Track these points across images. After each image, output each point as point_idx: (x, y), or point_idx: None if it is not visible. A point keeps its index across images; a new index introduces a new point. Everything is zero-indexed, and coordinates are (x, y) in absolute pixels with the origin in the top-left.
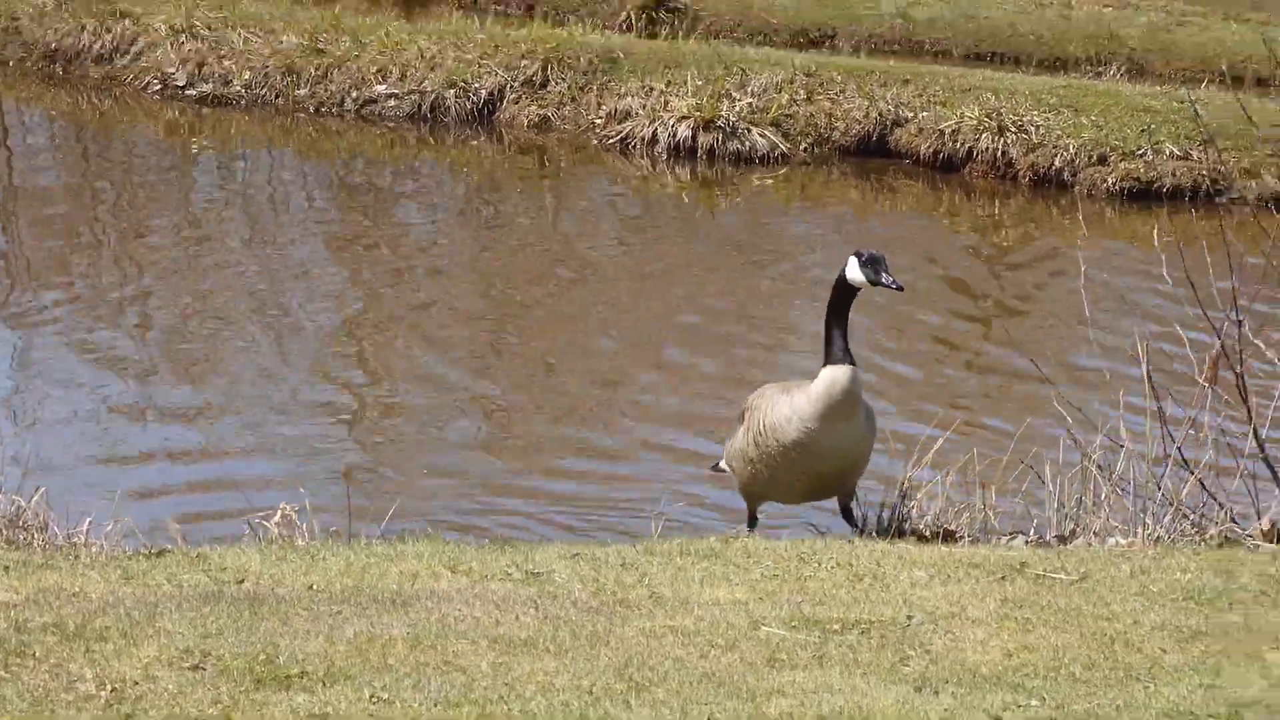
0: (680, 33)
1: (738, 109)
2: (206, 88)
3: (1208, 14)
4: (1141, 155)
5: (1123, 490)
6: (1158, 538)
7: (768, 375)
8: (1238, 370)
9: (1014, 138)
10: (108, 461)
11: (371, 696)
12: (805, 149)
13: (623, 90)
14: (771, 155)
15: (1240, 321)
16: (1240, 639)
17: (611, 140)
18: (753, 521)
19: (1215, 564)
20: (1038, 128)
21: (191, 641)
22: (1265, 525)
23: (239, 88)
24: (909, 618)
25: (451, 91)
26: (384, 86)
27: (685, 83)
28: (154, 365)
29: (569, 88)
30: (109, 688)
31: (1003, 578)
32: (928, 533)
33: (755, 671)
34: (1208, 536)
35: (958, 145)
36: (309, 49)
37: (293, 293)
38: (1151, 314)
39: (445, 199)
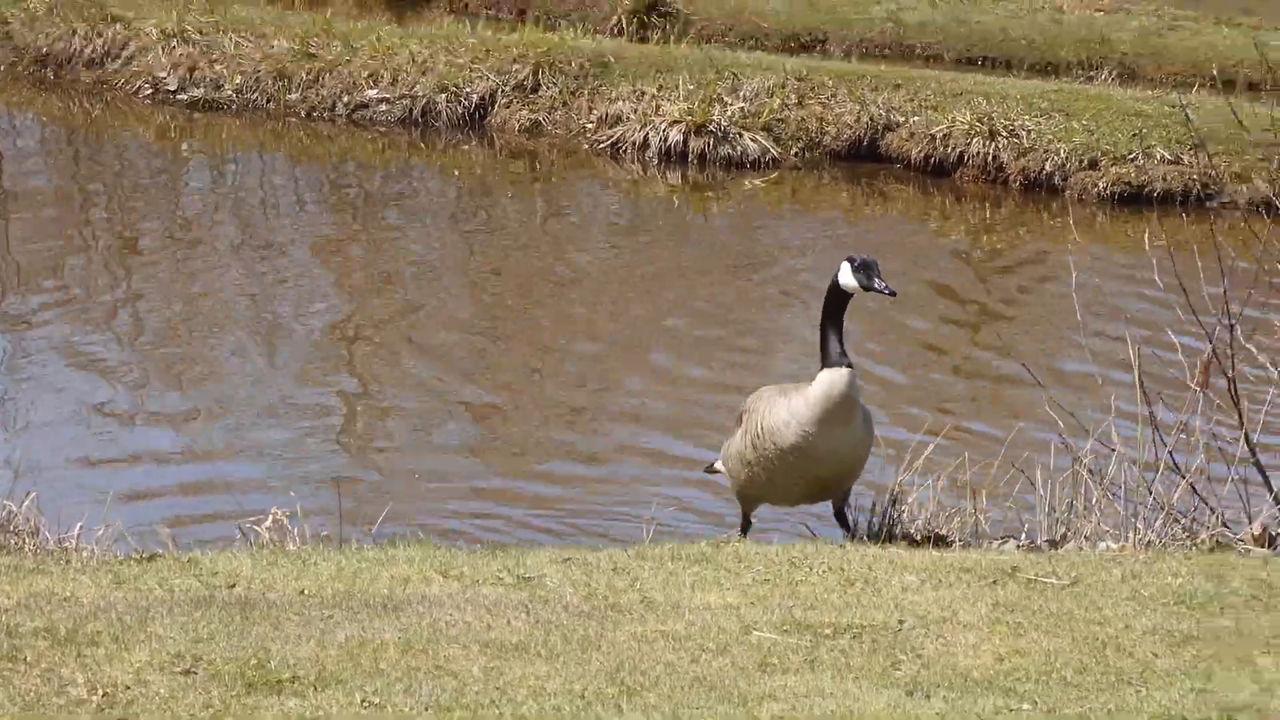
0: (671, 37)
1: (729, 113)
2: (198, 92)
3: (1199, 18)
4: (1132, 159)
5: (1114, 495)
6: (1149, 542)
7: (758, 380)
8: (1229, 375)
9: (1005, 142)
10: (98, 465)
11: (363, 701)
12: (796, 154)
13: (614, 95)
14: (763, 160)
15: (1232, 326)
16: (1231, 643)
17: (603, 145)
18: (746, 526)
19: (1206, 568)
20: (1029, 132)
21: (183, 646)
22: (1256, 530)
23: (230, 92)
24: (900, 622)
25: (443, 96)
26: (375, 91)
27: (676, 87)
28: (144, 369)
29: (560, 92)
30: (100, 692)
31: (994, 582)
32: (919, 537)
33: (747, 676)
34: (1199, 541)
35: (949, 150)
36: (300, 53)
37: (283, 297)
38: (1142, 318)
39: (436, 204)
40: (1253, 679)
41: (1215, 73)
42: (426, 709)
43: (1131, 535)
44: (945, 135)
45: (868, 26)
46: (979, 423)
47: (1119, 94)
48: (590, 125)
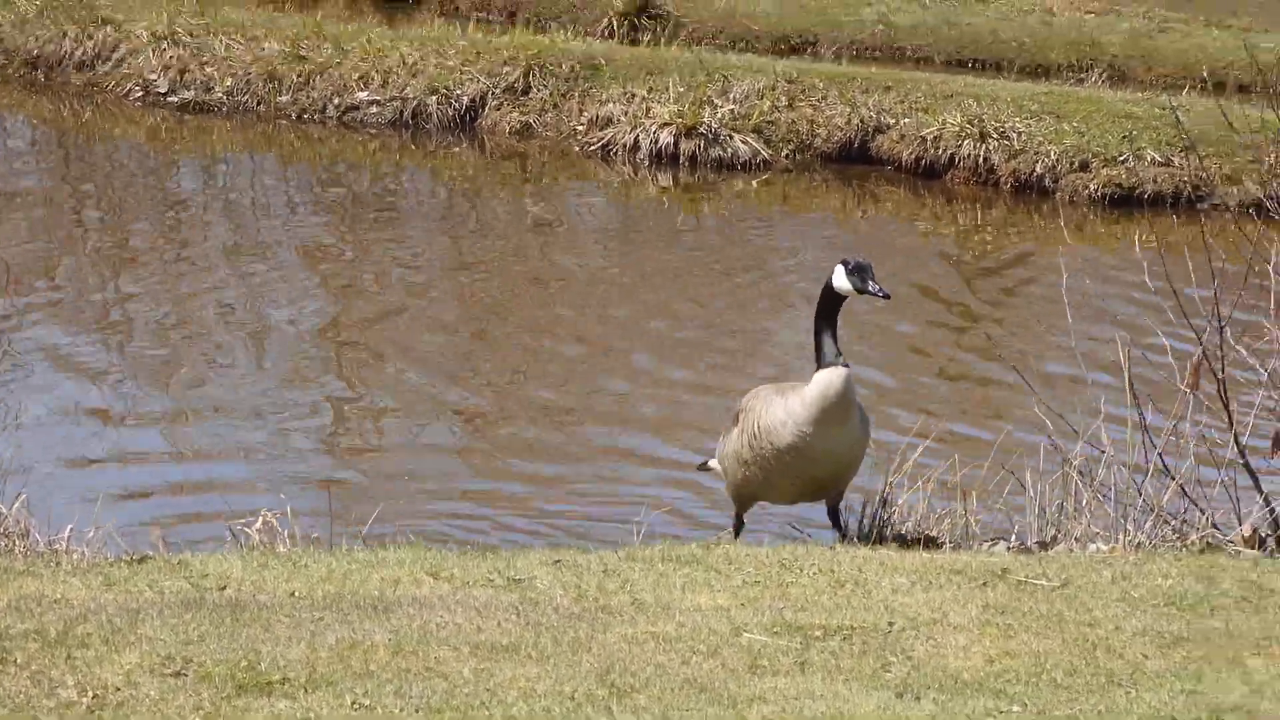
0: (662, 39)
1: (720, 115)
2: (188, 94)
3: (1189, 20)
4: (1123, 161)
5: (1104, 496)
6: (1139, 544)
7: (746, 382)
8: (1219, 377)
9: (996, 144)
10: (88, 466)
11: (353, 703)
12: (787, 155)
13: (605, 97)
14: (753, 162)
15: (1221, 328)
16: (1221, 645)
17: (593, 147)
18: (739, 527)
19: (1197, 570)
20: (1019, 134)
21: (173, 648)
22: (1246, 531)
23: (221, 94)
24: (891, 624)
25: (433, 98)
26: (366, 93)
27: (667, 89)
28: (134, 370)
29: (551, 94)
30: (90, 694)
31: (984, 584)
32: (909, 539)
33: (737, 678)
34: (1189, 542)
35: (939, 152)
36: (291, 56)
37: (272, 298)
38: (1132, 320)
39: (426, 206)
40: (1243, 680)
41: (1205, 75)
42: (417, 711)
43: (1122, 537)
44: (936, 137)
45: (858, 29)
46: (968, 425)
47: (1109, 96)
48: (581, 127)
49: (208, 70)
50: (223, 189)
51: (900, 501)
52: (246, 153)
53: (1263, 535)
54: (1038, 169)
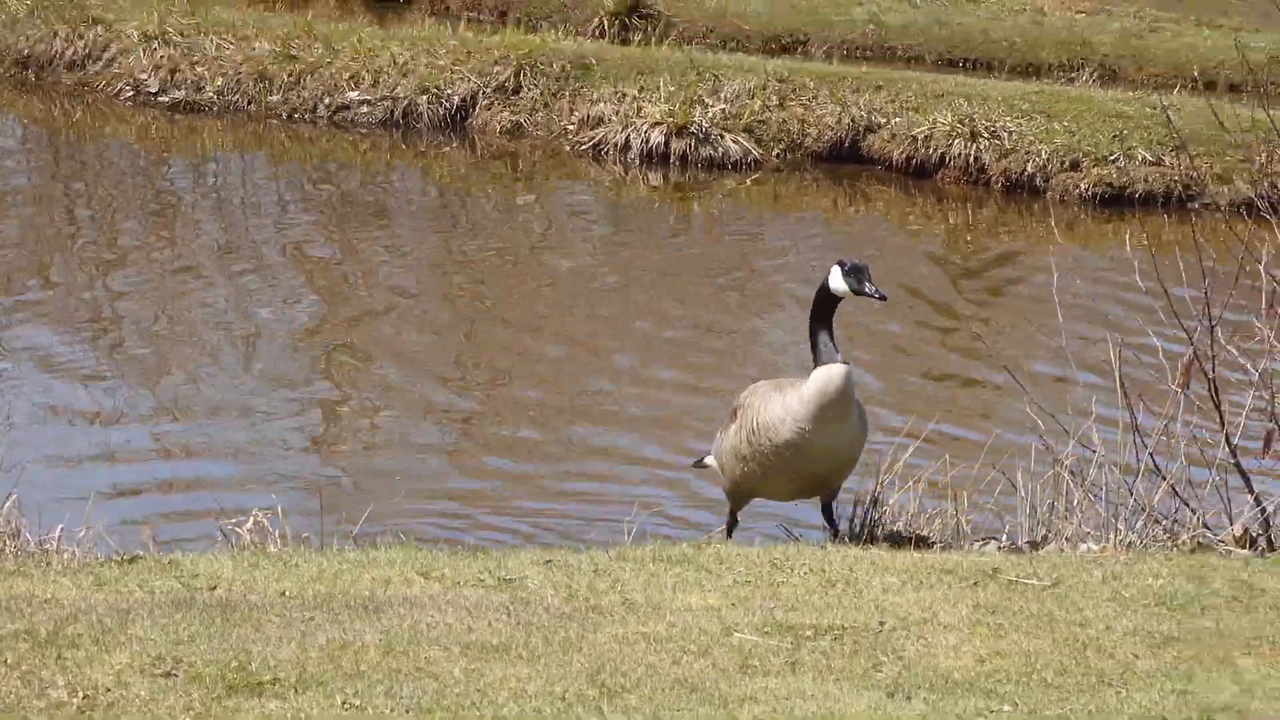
0: (653, 39)
1: (710, 115)
2: (179, 94)
3: (1180, 20)
4: (1114, 161)
5: (1095, 496)
6: (1130, 543)
7: (737, 383)
8: (1210, 376)
9: (986, 143)
10: (79, 466)
11: (344, 703)
12: (778, 155)
13: (595, 96)
14: (744, 161)
15: (1212, 327)
16: (1212, 644)
17: (584, 146)
18: (732, 525)
19: (1187, 570)
20: (1010, 133)
21: (164, 648)
22: (1237, 531)
23: (211, 94)
24: (881, 624)
25: (424, 98)
26: (356, 93)
27: (658, 89)
28: (125, 369)
29: (542, 94)
30: (81, 694)
31: (975, 583)
32: (901, 538)
33: (728, 678)
34: (1180, 542)
35: (930, 151)
36: (281, 55)
37: (262, 298)
38: (1123, 320)
39: (416, 205)
40: (1233, 680)
41: (1196, 74)
42: (407, 711)
43: (1112, 536)
44: (927, 137)
45: (849, 28)
46: (958, 426)
47: (1100, 95)
48: (572, 127)
49: (198, 70)
50: (213, 189)
51: (891, 501)
52: (237, 152)
53: (1253, 535)
54: (1028, 168)
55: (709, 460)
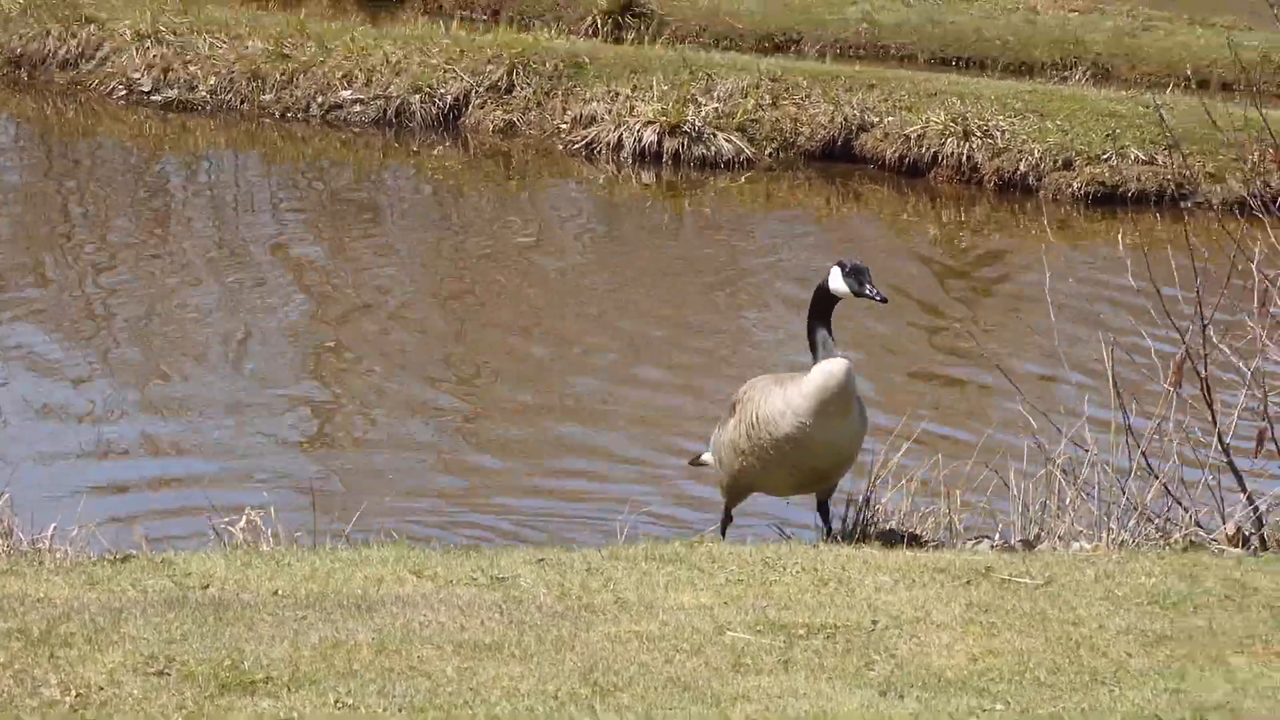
0: (646, 38)
1: (703, 114)
2: (172, 93)
3: (1173, 19)
4: (1107, 160)
5: (1087, 495)
6: (1122, 542)
7: (728, 382)
8: (1202, 375)
9: (979, 142)
10: (71, 465)
11: (336, 702)
12: (771, 154)
13: (588, 95)
14: (737, 160)
15: (1205, 327)
16: (1205, 643)
17: (577, 145)
18: (727, 522)
19: (1180, 568)
20: (1003, 132)
21: (156, 647)
22: (1230, 529)
23: (204, 93)
24: (874, 622)
25: (417, 97)
26: (349, 92)
27: (651, 88)
28: (116, 368)
29: (534, 93)
30: (73, 693)
31: (968, 582)
32: (893, 536)
33: (720, 676)
34: (1172, 541)
35: (923, 150)
36: (274, 54)
37: (254, 297)
38: (1116, 319)
39: (409, 204)
40: (1226, 679)
41: (1189, 73)
42: (400, 710)
43: (1105, 535)
44: (920, 136)
45: (842, 27)
46: (950, 426)
47: (1093, 94)
48: (565, 126)
49: (191, 69)
50: (206, 187)
51: (884, 500)
52: (230, 151)
53: (1246, 534)
54: (1021, 167)
55: (706, 456)
